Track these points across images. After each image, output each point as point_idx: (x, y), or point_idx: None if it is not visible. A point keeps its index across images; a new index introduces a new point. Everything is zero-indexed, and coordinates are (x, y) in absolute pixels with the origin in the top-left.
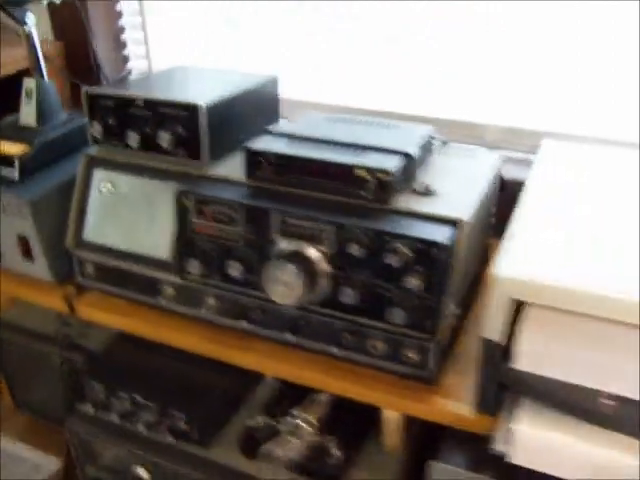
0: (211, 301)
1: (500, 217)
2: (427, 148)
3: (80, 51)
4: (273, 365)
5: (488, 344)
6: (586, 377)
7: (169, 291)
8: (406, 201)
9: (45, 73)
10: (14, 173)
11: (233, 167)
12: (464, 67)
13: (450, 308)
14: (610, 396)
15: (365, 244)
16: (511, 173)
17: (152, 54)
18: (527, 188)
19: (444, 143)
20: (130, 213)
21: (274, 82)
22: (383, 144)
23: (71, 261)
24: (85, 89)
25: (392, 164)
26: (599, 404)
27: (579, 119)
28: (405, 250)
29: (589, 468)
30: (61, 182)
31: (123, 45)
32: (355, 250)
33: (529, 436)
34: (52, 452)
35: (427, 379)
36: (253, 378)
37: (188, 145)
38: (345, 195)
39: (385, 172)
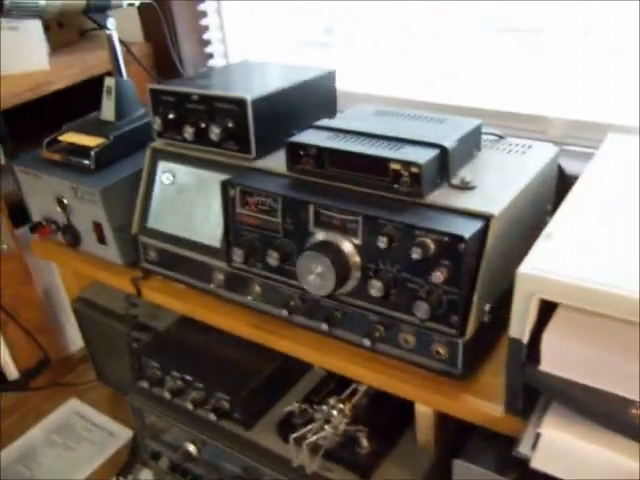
0: (255, 289)
1: None
2: (473, 142)
3: (166, 51)
4: (309, 352)
5: (514, 343)
6: (617, 385)
7: (220, 278)
8: (440, 195)
9: (125, 72)
10: (90, 164)
11: (279, 160)
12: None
13: (481, 305)
14: None
15: (394, 237)
16: (577, 168)
17: (231, 52)
18: (578, 184)
19: (500, 137)
20: (187, 202)
21: (332, 76)
22: (422, 137)
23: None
24: (149, 85)
25: (424, 157)
26: (630, 415)
27: None
28: (432, 244)
29: None
30: (131, 172)
31: (206, 44)
32: (385, 243)
33: (555, 442)
34: (126, 423)
35: (456, 375)
36: (302, 366)
37: (237, 138)
38: (381, 188)
39: (416, 165)
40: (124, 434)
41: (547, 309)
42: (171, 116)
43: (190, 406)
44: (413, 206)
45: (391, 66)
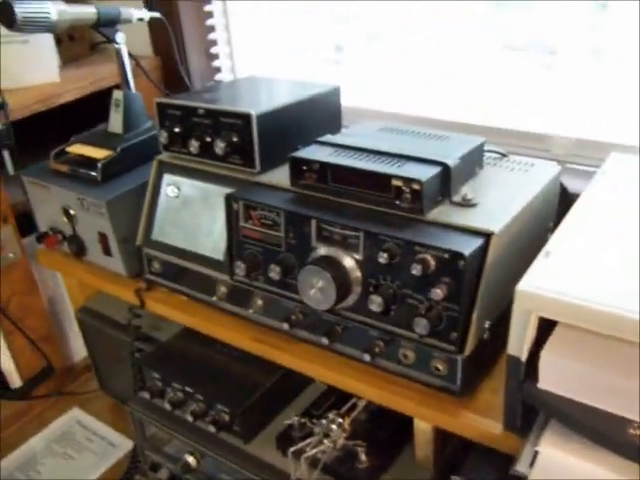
0: (257, 302)
1: None
2: (475, 159)
3: (175, 64)
4: (309, 367)
5: (512, 361)
6: (615, 404)
7: (222, 290)
8: (441, 212)
9: (133, 85)
10: (97, 175)
11: (283, 174)
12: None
13: (480, 322)
14: None
15: (395, 253)
16: (579, 186)
17: (238, 67)
18: (579, 203)
19: (503, 155)
20: (192, 215)
21: (337, 92)
22: (424, 154)
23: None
24: (156, 99)
25: (425, 174)
26: (628, 434)
27: None
28: (432, 261)
29: None
30: (138, 184)
31: (213, 58)
32: (385, 259)
33: (552, 460)
34: (127, 434)
35: (454, 392)
36: (302, 380)
37: (242, 152)
38: (382, 204)
39: (418, 182)
40: (125, 444)
41: (546, 327)
42: (177, 129)
43: (190, 418)
44: (414, 222)
45: (398, 83)
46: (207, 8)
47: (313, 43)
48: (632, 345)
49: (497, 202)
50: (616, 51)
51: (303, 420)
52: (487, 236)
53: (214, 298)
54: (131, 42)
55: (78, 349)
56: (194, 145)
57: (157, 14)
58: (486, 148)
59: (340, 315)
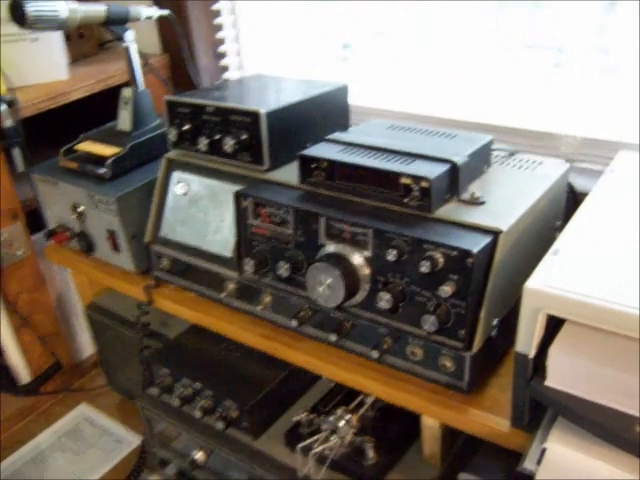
0: (266, 299)
1: None
2: (483, 158)
3: (183, 62)
4: (317, 364)
5: (520, 358)
6: (622, 402)
7: (231, 287)
8: (450, 210)
9: (142, 83)
10: (106, 172)
11: (292, 172)
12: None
13: (488, 319)
14: None
15: (404, 251)
16: (587, 185)
17: (246, 64)
18: (587, 201)
19: (512, 154)
20: (200, 212)
21: (344, 90)
22: (433, 152)
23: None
24: (165, 97)
25: (434, 172)
26: (635, 432)
27: None
28: (441, 258)
29: None
30: (146, 181)
31: (222, 56)
32: (394, 256)
33: (560, 458)
34: (135, 430)
35: (462, 389)
36: (311, 376)
37: (251, 149)
38: (391, 202)
39: (426, 180)
40: (133, 440)
41: (554, 324)
42: (186, 127)
43: (199, 414)
44: (422, 220)
45: (406, 82)
46: (215, 7)
47: (320, 41)
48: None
49: (505, 200)
50: (623, 49)
51: (311, 416)
52: (495, 234)
53: (223, 295)
54: (140, 40)
55: (86, 345)
56: (203, 142)
57: (166, 11)
58: (494, 146)
59: (348, 312)
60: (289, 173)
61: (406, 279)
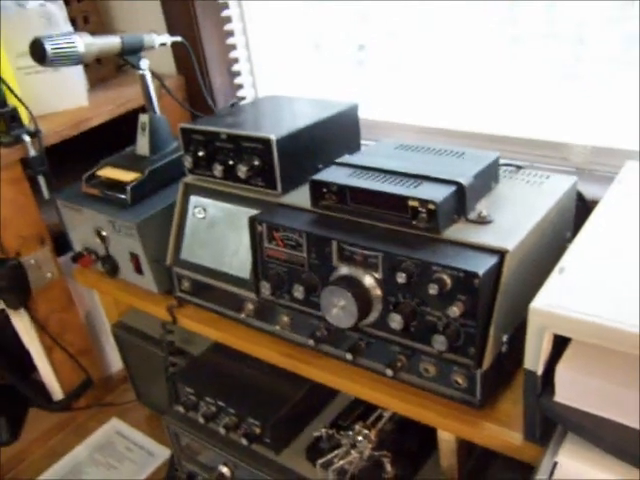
0: (283, 319)
1: None
2: (491, 175)
3: (198, 83)
4: (336, 380)
5: (529, 375)
6: (630, 417)
7: (250, 308)
8: (457, 230)
9: (158, 107)
10: (127, 199)
11: (304, 195)
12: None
13: (498, 336)
14: None
15: (413, 273)
16: (598, 193)
17: (259, 82)
18: (594, 215)
19: (518, 168)
20: (218, 235)
21: (354, 109)
22: (439, 174)
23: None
24: (180, 125)
25: (439, 195)
26: None
27: None
28: (448, 280)
29: None
30: (165, 205)
31: (235, 75)
32: (404, 278)
33: (571, 471)
34: (164, 443)
35: (475, 404)
36: (330, 392)
37: (264, 175)
38: (400, 224)
39: (433, 202)
40: (162, 453)
41: (561, 340)
42: (201, 154)
43: (223, 431)
44: (431, 242)
45: (417, 96)
46: (227, 27)
47: (329, 61)
48: None
49: (512, 218)
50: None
51: (331, 431)
52: (502, 254)
53: (242, 315)
54: (155, 62)
55: (115, 361)
56: (218, 169)
57: (178, 38)
58: (501, 162)
59: (363, 332)
60: (302, 195)
61: (416, 300)
